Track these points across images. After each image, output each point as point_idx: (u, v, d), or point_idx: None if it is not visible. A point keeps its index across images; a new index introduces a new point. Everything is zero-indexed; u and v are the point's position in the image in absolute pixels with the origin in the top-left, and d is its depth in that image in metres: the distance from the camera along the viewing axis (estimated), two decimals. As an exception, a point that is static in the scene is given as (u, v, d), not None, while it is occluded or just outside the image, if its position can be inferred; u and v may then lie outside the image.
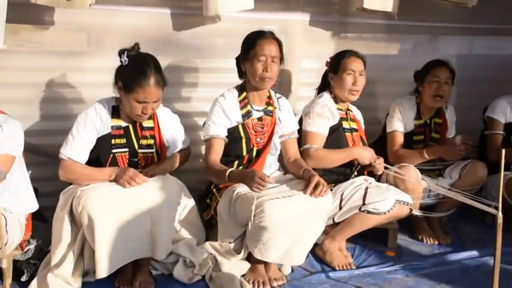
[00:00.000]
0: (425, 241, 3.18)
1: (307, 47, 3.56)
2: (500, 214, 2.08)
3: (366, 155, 2.90)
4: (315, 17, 3.51)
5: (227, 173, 2.48)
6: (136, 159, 2.60)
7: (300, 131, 2.95)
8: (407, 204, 2.83)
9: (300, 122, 3.02)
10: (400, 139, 3.25)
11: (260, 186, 2.33)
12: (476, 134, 3.65)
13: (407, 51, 4.01)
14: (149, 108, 2.48)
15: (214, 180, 2.69)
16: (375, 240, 3.08)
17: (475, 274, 2.79)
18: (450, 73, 3.26)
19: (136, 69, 2.44)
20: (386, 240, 3.09)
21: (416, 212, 3.08)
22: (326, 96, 3.03)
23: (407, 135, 3.28)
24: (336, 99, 3.03)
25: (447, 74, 3.24)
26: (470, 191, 3.11)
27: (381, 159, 2.96)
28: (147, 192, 2.39)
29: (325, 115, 2.93)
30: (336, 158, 2.89)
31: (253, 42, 2.67)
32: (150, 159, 2.64)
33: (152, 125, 2.66)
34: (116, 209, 2.30)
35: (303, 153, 2.87)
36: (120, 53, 2.49)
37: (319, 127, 2.91)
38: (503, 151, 2.07)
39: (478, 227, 3.40)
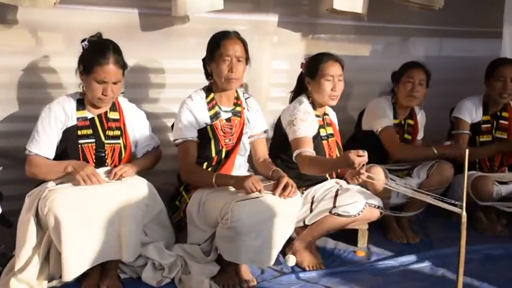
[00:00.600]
0: (394, 241, 3.22)
1: (277, 48, 3.57)
2: (464, 213, 2.11)
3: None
4: (284, 18, 3.52)
5: (214, 178, 2.52)
6: (103, 152, 2.58)
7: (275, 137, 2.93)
8: (378, 207, 2.85)
9: (277, 126, 2.98)
10: (394, 133, 3.29)
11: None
12: (444, 133, 3.71)
13: (378, 52, 4.06)
14: (109, 90, 2.47)
15: (196, 183, 2.66)
16: (345, 241, 3.10)
17: (442, 272, 2.82)
18: (425, 75, 3.32)
19: (94, 50, 2.49)
20: (356, 240, 3.11)
21: (388, 212, 3.10)
22: (305, 102, 2.95)
23: None
24: (314, 105, 2.97)
25: (422, 75, 3.30)
26: (437, 190, 3.17)
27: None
28: (116, 194, 2.36)
29: (308, 121, 2.86)
30: (322, 168, 2.80)
31: (217, 43, 2.65)
32: (117, 151, 2.62)
33: (118, 117, 2.66)
34: (83, 210, 2.26)
35: (297, 159, 2.75)
36: (82, 40, 2.54)
37: (306, 131, 2.82)
38: (467, 151, 2.09)
39: (445, 226, 3.45)
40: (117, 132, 2.63)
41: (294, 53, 3.58)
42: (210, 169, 2.69)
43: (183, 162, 2.66)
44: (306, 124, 2.83)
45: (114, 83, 2.49)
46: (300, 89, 3.06)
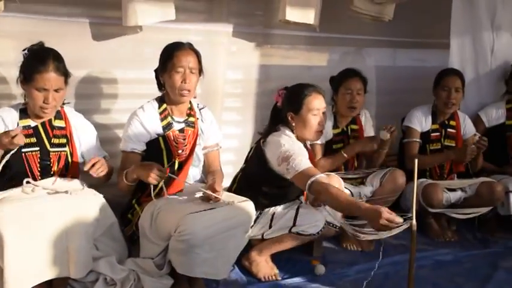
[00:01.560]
0: (349, 248, 3.25)
1: (232, 58, 3.56)
2: (414, 222, 2.15)
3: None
4: (239, 28, 3.51)
5: (124, 174, 2.51)
6: (48, 160, 2.51)
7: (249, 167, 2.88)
8: (335, 227, 2.88)
9: (256, 158, 2.81)
10: (319, 150, 3.32)
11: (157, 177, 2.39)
12: (396, 142, 3.78)
13: (331, 62, 4.09)
14: (50, 97, 2.41)
15: (123, 190, 2.64)
16: (300, 250, 3.09)
17: (396, 279, 2.87)
18: (362, 83, 3.36)
19: (34, 58, 2.43)
20: (311, 250, 3.12)
21: (347, 228, 3.12)
22: (292, 137, 2.74)
23: (327, 145, 3.36)
24: (298, 138, 2.80)
25: (359, 85, 3.35)
26: (390, 197, 3.24)
27: None
28: (64, 208, 2.29)
29: (305, 154, 2.68)
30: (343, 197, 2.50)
31: (170, 54, 2.63)
32: (63, 159, 2.55)
33: (63, 125, 2.60)
34: (28, 224, 2.18)
35: (312, 190, 2.49)
36: (24, 50, 2.48)
37: (308, 162, 2.61)
38: (416, 160, 2.14)
39: (399, 233, 3.50)
40: (63, 140, 2.57)
41: (249, 63, 3.60)
42: (163, 181, 2.64)
43: (118, 172, 2.63)
44: (304, 158, 2.62)
45: (56, 91, 2.43)
46: (277, 122, 2.83)
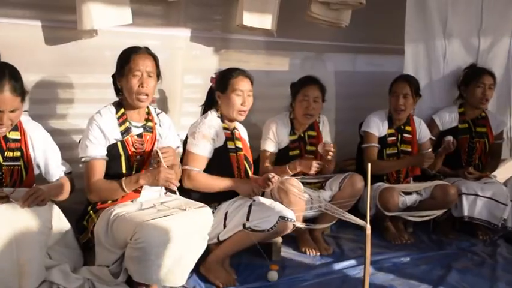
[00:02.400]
0: (308, 253, 3.26)
1: (190, 63, 3.55)
2: (368, 226, 2.17)
3: (243, 188, 2.90)
4: (197, 32, 3.51)
5: (123, 185, 2.49)
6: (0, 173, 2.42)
7: (184, 151, 2.92)
8: (290, 220, 2.89)
9: (186, 141, 2.98)
10: (268, 158, 3.35)
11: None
12: (354, 145, 3.84)
13: (291, 67, 4.13)
14: (5, 119, 2.32)
15: (107, 199, 2.58)
16: (259, 255, 3.08)
17: (353, 282, 2.89)
18: (320, 91, 3.39)
19: None
20: (270, 254, 3.12)
21: (300, 225, 3.15)
22: (213, 115, 3.01)
23: (284, 151, 3.38)
24: (223, 118, 3.02)
25: (317, 92, 3.37)
26: (349, 201, 3.27)
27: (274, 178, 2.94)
28: (13, 218, 2.19)
29: (211, 137, 2.91)
30: (215, 187, 2.89)
31: (127, 58, 2.60)
32: (16, 173, 2.47)
33: (19, 137, 2.51)
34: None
35: (183, 173, 2.85)
36: None
37: (203, 149, 2.89)
38: (369, 165, 2.16)
39: (357, 236, 3.57)
40: (17, 153, 2.48)
41: (207, 68, 3.58)
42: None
43: (89, 181, 2.56)
44: (206, 142, 2.87)
45: (12, 111, 2.33)
46: (210, 103, 3.10)
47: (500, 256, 3.34)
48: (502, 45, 4.16)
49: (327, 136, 3.59)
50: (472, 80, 3.85)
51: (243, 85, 2.96)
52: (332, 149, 3.18)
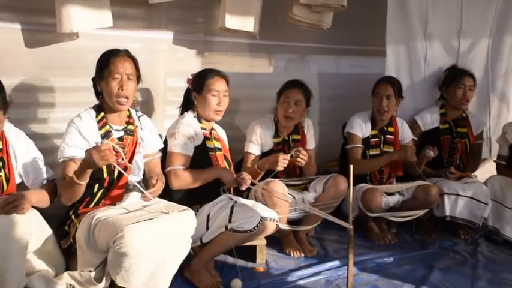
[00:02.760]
0: (292, 254, 3.27)
1: (172, 65, 3.54)
2: (351, 227, 2.19)
3: (226, 175, 2.94)
4: (179, 35, 3.50)
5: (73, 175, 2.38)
6: None
7: (164, 151, 2.91)
8: (273, 220, 2.89)
9: (165, 142, 2.97)
10: (251, 160, 3.35)
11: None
12: (337, 147, 3.85)
13: (275, 69, 4.14)
14: None
15: (71, 198, 2.52)
16: (243, 257, 3.11)
17: (337, 283, 2.91)
18: (303, 95, 3.38)
19: None
20: (255, 257, 3.12)
21: (283, 226, 3.15)
22: (189, 115, 3.03)
23: (268, 154, 3.37)
24: (200, 119, 3.03)
25: (299, 96, 3.37)
26: (333, 203, 3.29)
27: (247, 176, 2.98)
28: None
29: (190, 135, 2.93)
30: (200, 178, 2.89)
31: (107, 61, 2.58)
32: None
33: (0, 146, 2.48)
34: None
35: (168, 175, 2.85)
36: None
37: (185, 148, 2.90)
38: (351, 167, 2.18)
39: (341, 237, 3.57)
40: None
41: (190, 71, 3.51)
42: (101, 191, 2.59)
43: (60, 181, 2.55)
44: (186, 140, 2.89)
45: None
46: (187, 104, 3.12)
47: (481, 255, 3.39)
48: (481, 47, 4.21)
49: (311, 140, 3.60)
50: (452, 81, 3.89)
51: (218, 85, 2.99)
52: (303, 156, 3.18)
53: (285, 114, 3.36)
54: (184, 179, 2.87)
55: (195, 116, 3.04)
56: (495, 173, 3.89)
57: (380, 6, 3.83)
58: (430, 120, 3.95)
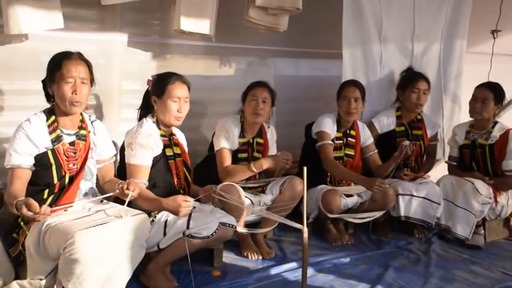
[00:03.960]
0: (250, 257, 3.27)
1: (127, 68, 3.48)
2: (305, 228, 2.20)
3: (171, 207, 2.75)
4: (134, 37, 3.45)
5: (15, 203, 2.29)
6: None
7: (122, 159, 2.87)
8: (232, 227, 2.88)
9: (123, 149, 2.93)
10: (228, 156, 3.32)
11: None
12: (294, 149, 3.87)
13: (232, 72, 4.14)
14: None
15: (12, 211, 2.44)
16: (200, 261, 3.08)
17: (294, 284, 2.92)
18: (269, 93, 3.42)
19: None
20: (212, 260, 3.11)
21: (241, 230, 3.15)
22: (149, 122, 2.95)
23: (233, 153, 3.37)
24: (159, 124, 2.97)
25: (265, 93, 3.40)
26: (290, 204, 3.31)
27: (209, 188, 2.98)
28: None
29: (149, 146, 2.86)
30: (146, 204, 2.75)
31: (59, 63, 2.51)
32: None
33: None
34: None
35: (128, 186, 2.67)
36: None
37: (143, 159, 2.83)
38: (305, 168, 2.19)
39: (299, 238, 3.48)
40: None
41: (146, 73, 3.47)
42: (52, 196, 2.53)
43: (7, 189, 2.46)
44: (145, 151, 2.82)
45: None
46: (147, 107, 3.05)
47: (433, 253, 3.47)
48: (434, 50, 4.32)
49: (273, 146, 3.62)
50: (407, 84, 3.97)
51: (179, 92, 2.92)
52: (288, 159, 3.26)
53: (254, 111, 3.36)
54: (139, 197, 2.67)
55: (154, 122, 2.96)
56: (447, 173, 3.98)
57: (336, 9, 3.88)
58: (386, 122, 4.01)
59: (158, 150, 2.90)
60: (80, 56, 2.59)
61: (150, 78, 3.04)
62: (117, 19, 3.37)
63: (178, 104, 2.91)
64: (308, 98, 4.22)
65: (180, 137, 3.15)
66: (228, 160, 3.32)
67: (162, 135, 2.95)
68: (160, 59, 3.65)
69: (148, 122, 2.96)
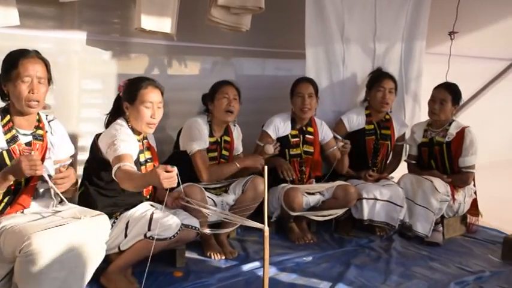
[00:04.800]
0: (213, 257, 3.26)
1: (87, 67, 3.41)
2: (266, 228, 2.21)
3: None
4: (93, 36, 3.37)
5: None
6: None
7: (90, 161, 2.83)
8: (194, 228, 2.86)
9: (93, 150, 2.88)
10: (206, 156, 3.32)
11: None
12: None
13: (196, 72, 4.11)
14: None
15: None
16: (163, 262, 3.06)
17: (257, 284, 2.92)
18: (237, 91, 3.44)
19: None
20: (174, 261, 3.09)
21: (204, 231, 3.14)
22: (125, 126, 2.85)
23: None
24: (133, 130, 2.88)
25: (235, 91, 3.42)
26: (253, 203, 3.32)
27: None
28: None
29: (130, 141, 2.77)
30: (139, 181, 2.60)
31: (15, 62, 2.44)
32: None
33: None
34: None
35: (116, 174, 2.58)
36: None
37: (128, 148, 2.70)
38: (266, 167, 2.20)
39: (262, 238, 3.59)
40: None
41: (107, 72, 3.48)
42: (7, 198, 2.45)
43: None
44: (127, 143, 2.74)
45: None
46: (117, 112, 2.95)
47: (394, 250, 3.54)
48: (395, 51, 4.38)
49: (239, 145, 3.64)
50: (374, 84, 4.01)
51: (152, 97, 2.82)
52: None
53: (227, 108, 3.36)
54: (128, 179, 2.55)
55: (129, 127, 2.86)
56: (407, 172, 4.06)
57: (300, 9, 3.90)
58: (356, 121, 4.04)
59: (134, 156, 2.81)
60: (37, 55, 2.52)
61: (121, 84, 2.94)
62: (75, 17, 3.30)
63: (151, 109, 2.81)
64: (272, 98, 4.22)
65: (151, 139, 3.11)
66: (207, 160, 3.32)
67: (137, 140, 2.89)
68: (122, 57, 3.58)
69: (124, 125, 2.85)
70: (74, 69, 3.34)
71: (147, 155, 2.98)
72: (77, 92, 3.39)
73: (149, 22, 3.09)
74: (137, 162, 2.84)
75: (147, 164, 2.95)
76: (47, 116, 2.71)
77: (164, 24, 3.15)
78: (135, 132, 2.89)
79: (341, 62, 4.18)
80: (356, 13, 4.11)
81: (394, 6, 4.28)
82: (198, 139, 3.33)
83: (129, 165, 2.60)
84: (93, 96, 3.44)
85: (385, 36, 4.30)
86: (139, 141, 2.91)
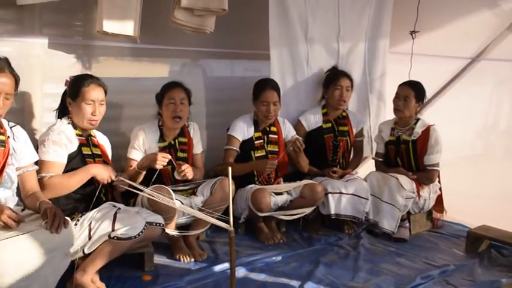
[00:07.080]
0: (182, 260, 3.24)
1: (49, 71, 3.34)
2: (232, 229, 2.21)
3: (102, 172, 2.83)
4: (55, 39, 3.31)
5: None
6: None
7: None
8: (159, 225, 2.85)
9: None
10: (133, 165, 3.25)
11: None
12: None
13: (163, 74, 4.07)
14: None
15: None
16: (131, 266, 3.04)
17: (226, 285, 2.92)
18: (185, 93, 3.39)
19: None
20: (143, 264, 3.06)
21: (172, 232, 3.13)
22: (63, 122, 2.93)
23: None
24: (75, 125, 2.94)
25: (182, 94, 3.37)
26: (222, 205, 3.30)
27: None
28: None
29: (62, 142, 2.81)
30: (72, 181, 2.79)
31: None
32: None
33: None
34: None
35: (40, 184, 2.71)
36: None
37: (55, 155, 2.79)
38: (230, 168, 2.21)
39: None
40: None
41: (70, 76, 3.41)
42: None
43: None
44: (58, 147, 2.79)
45: None
46: (64, 108, 3.01)
47: (362, 247, 3.59)
48: (359, 50, 4.43)
49: (198, 144, 3.60)
50: (331, 82, 4.07)
51: (94, 94, 2.90)
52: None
53: (174, 114, 3.33)
54: (54, 186, 2.75)
55: (69, 123, 2.93)
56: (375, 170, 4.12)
57: (264, 10, 3.91)
58: (313, 120, 4.10)
59: (73, 148, 2.86)
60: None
61: (68, 79, 2.99)
62: (36, 20, 3.23)
63: (92, 106, 2.89)
64: (240, 99, 4.21)
65: (101, 139, 3.11)
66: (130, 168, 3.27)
67: (78, 135, 2.92)
68: (85, 61, 3.52)
69: (63, 122, 2.94)
70: (35, 73, 3.26)
71: (95, 150, 2.99)
72: (39, 96, 3.32)
73: (111, 25, 3.05)
74: (78, 154, 2.90)
75: (96, 159, 2.96)
76: (8, 122, 2.66)
77: (127, 26, 3.11)
78: (78, 127, 2.93)
79: (305, 62, 4.20)
80: (319, 13, 4.13)
81: (357, 7, 4.33)
82: (133, 148, 3.34)
83: (55, 177, 2.76)
84: (56, 100, 3.33)
85: (348, 35, 4.34)
86: (80, 135, 2.94)
